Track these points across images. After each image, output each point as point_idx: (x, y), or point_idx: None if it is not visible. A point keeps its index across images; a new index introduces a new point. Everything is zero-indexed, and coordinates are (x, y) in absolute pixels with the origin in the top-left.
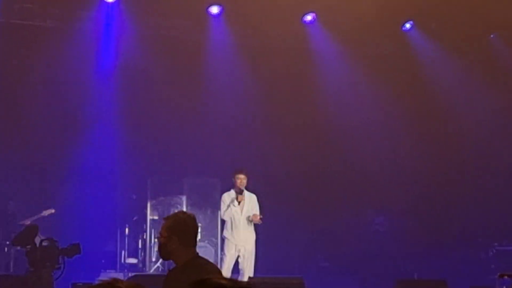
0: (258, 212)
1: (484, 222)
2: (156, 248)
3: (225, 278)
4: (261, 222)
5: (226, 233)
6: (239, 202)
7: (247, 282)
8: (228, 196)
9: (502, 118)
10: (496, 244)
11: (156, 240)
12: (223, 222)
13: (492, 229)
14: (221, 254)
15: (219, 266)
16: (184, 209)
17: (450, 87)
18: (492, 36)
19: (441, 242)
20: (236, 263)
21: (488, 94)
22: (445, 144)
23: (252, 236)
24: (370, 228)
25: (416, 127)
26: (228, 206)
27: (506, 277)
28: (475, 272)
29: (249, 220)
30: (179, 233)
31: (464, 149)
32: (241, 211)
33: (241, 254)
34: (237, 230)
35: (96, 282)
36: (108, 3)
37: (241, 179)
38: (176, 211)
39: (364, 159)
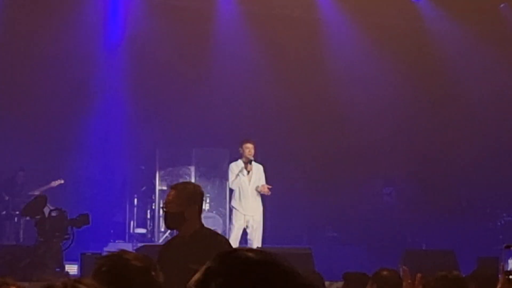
0: (264, 183)
1: (492, 192)
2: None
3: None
4: (269, 193)
5: (234, 203)
6: (248, 172)
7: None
8: (236, 166)
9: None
10: (504, 214)
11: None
12: (231, 192)
13: (501, 200)
14: (229, 224)
15: (227, 236)
16: (193, 180)
17: (459, 57)
18: (502, 5)
19: (450, 213)
20: (244, 233)
21: (497, 65)
22: (454, 114)
23: (260, 206)
24: (379, 199)
25: (425, 97)
26: (237, 175)
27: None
28: (483, 242)
29: (258, 190)
30: (199, 202)
31: (473, 119)
32: (249, 181)
33: (249, 225)
34: (245, 200)
35: (104, 253)
36: None
37: (250, 149)
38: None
39: (373, 129)
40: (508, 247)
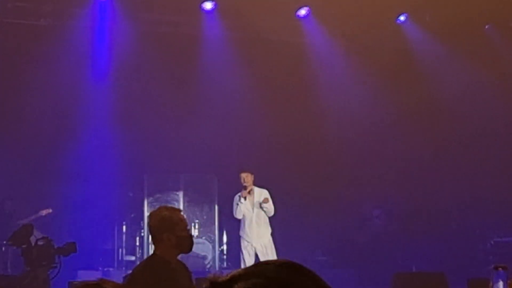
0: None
1: (482, 213)
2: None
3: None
4: (267, 201)
5: (241, 232)
6: (244, 198)
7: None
8: (238, 196)
9: (498, 108)
10: (494, 235)
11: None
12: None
13: (490, 221)
14: (240, 254)
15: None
16: (181, 206)
17: (445, 79)
18: (486, 27)
19: (439, 234)
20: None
21: (483, 85)
22: (442, 136)
23: (267, 230)
24: (368, 221)
25: (413, 119)
26: (237, 204)
27: (500, 269)
28: (473, 264)
29: (262, 207)
30: None
31: (461, 141)
32: (252, 208)
33: (258, 251)
34: (250, 227)
35: (82, 282)
36: (101, 0)
37: (243, 177)
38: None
39: (361, 151)
40: (496, 268)
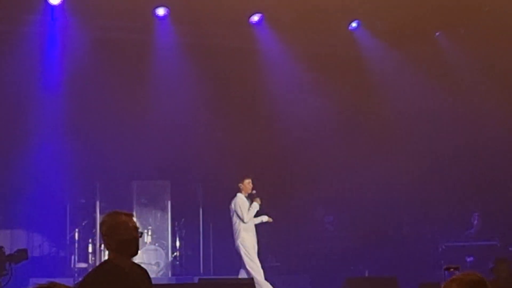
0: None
1: (433, 218)
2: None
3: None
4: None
5: (246, 235)
6: (260, 204)
7: None
8: (245, 201)
9: (447, 114)
10: (445, 240)
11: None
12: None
13: (441, 225)
14: (245, 257)
15: (252, 272)
16: (134, 212)
17: (396, 85)
18: (437, 34)
19: (391, 239)
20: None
21: (433, 91)
22: (392, 141)
23: None
24: (321, 227)
25: (364, 125)
26: (251, 209)
27: (452, 269)
28: (424, 268)
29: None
30: None
31: (410, 146)
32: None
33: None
34: (253, 231)
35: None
36: (53, 6)
37: (251, 182)
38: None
39: (313, 158)
40: (447, 269)
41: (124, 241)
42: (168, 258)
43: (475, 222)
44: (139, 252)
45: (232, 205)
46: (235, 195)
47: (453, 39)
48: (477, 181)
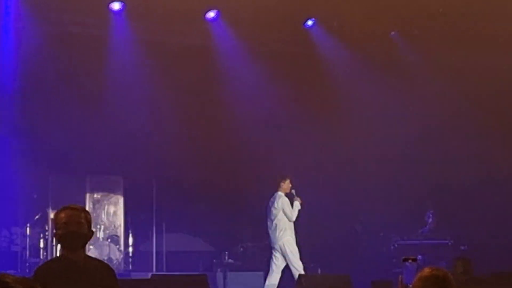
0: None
1: (385, 216)
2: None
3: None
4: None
5: (291, 235)
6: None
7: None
8: (288, 200)
9: (401, 113)
10: (398, 238)
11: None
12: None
13: (393, 224)
14: (293, 257)
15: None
16: (87, 207)
17: (351, 84)
18: (392, 34)
19: (345, 237)
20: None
21: (388, 90)
22: (347, 136)
23: None
24: None
25: (318, 122)
26: (295, 208)
27: (410, 261)
28: (377, 266)
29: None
30: None
31: (365, 142)
32: None
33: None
34: (292, 230)
35: None
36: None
37: (291, 182)
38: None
39: (267, 154)
40: (405, 260)
41: (62, 235)
42: (120, 254)
43: (429, 220)
44: (91, 247)
45: (276, 204)
46: (274, 194)
47: (407, 39)
48: (432, 179)
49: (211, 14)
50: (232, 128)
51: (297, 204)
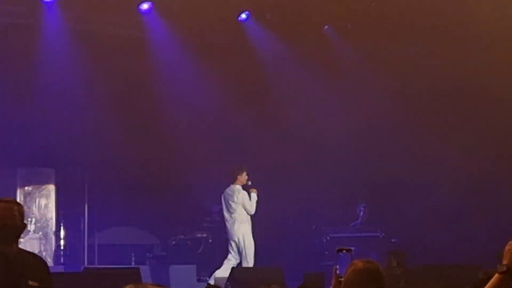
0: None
1: (317, 209)
2: None
3: None
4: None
5: (249, 227)
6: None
7: None
8: (246, 192)
9: (336, 106)
10: (329, 231)
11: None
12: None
13: (326, 217)
14: (242, 248)
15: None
16: (18, 200)
17: (286, 77)
18: (326, 27)
19: (277, 230)
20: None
21: (322, 85)
22: (281, 130)
23: None
24: (208, 217)
25: (250, 114)
26: (253, 200)
27: (344, 251)
28: (309, 259)
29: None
30: None
31: (298, 135)
32: None
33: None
34: (249, 222)
35: None
36: None
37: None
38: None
39: (201, 146)
40: (340, 250)
41: None
42: (52, 247)
43: (361, 213)
44: (21, 240)
45: (236, 198)
46: (230, 187)
47: (341, 33)
48: (364, 173)
49: (145, 6)
50: (166, 120)
51: (254, 196)
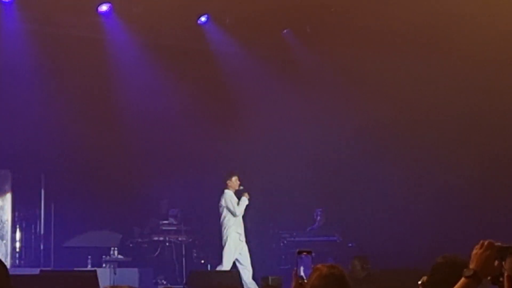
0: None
1: (275, 214)
2: None
3: None
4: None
5: (237, 229)
6: (249, 199)
7: None
8: (233, 196)
9: (294, 112)
10: (287, 235)
11: None
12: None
13: (283, 221)
14: (224, 248)
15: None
16: None
17: (245, 81)
18: (284, 31)
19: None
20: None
21: (282, 89)
22: (241, 133)
23: None
24: (165, 220)
25: (212, 119)
26: (240, 204)
27: (304, 253)
28: (266, 262)
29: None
30: None
31: (258, 138)
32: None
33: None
34: (241, 226)
35: None
36: None
37: (238, 179)
38: None
39: (160, 150)
40: (300, 252)
41: None
42: (7, 249)
43: (318, 218)
44: None
45: (222, 201)
46: (223, 192)
47: (300, 37)
48: (321, 178)
49: (104, 8)
50: (124, 123)
51: (244, 199)
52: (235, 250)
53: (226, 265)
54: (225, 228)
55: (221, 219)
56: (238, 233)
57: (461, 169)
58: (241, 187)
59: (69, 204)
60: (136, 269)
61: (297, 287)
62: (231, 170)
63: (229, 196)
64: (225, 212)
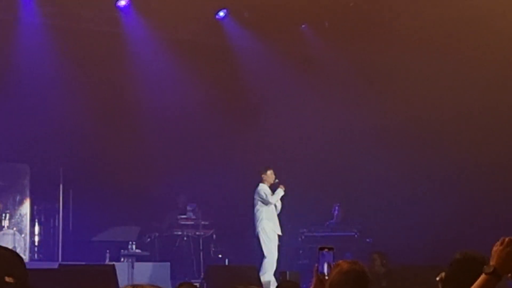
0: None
1: (292, 209)
2: None
3: None
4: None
5: (267, 224)
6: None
7: None
8: (267, 188)
9: (313, 106)
10: (305, 230)
11: None
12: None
13: (301, 216)
14: (266, 244)
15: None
16: None
17: (263, 76)
18: (303, 26)
19: (253, 229)
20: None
21: (300, 83)
22: (259, 129)
23: None
24: (184, 215)
25: (226, 114)
26: (276, 193)
27: (326, 250)
28: (285, 257)
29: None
30: None
31: (277, 133)
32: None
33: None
34: (274, 220)
35: None
36: None
37: (273, 173)
38: None
39: (177, 144)
40: (322, 249)
41: None
42: (26, 243)
43: (336, 213)
44: None
45: (256, 195)
46: (257, 185)
47: (318, 32)
48: (339, 173)
49: (123, 2)
50: (142, 117)
51: (279, 191)
52: (274, 239)
53: (269, 256)
54: (257, 220)
55: (254, 211)
56: (269, 226)
57: (484, 164)
58: (276, 180)
59: (87, 198)
60: (153, 264)
61: (318, 283)
62: (267, 164)
63: (262, 187)
64: (258, 205)
